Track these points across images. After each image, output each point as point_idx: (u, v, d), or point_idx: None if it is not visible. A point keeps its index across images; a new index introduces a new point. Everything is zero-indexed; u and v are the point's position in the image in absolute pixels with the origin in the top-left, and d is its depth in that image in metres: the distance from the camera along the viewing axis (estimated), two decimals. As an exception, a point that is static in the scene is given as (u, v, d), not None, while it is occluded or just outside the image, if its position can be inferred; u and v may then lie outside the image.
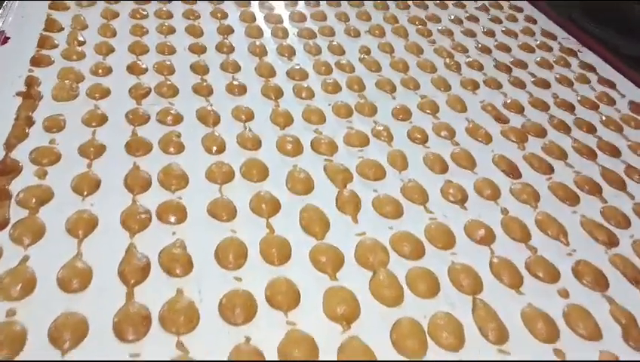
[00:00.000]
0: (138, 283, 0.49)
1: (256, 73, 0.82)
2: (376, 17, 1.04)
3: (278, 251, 0.54)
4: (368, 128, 0.74)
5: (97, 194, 0.58)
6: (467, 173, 0.69)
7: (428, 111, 0.80)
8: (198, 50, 0.85)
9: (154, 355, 0.44)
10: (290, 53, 0.88)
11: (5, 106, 0.67)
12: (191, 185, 0.61)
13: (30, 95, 0.69)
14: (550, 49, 1.03)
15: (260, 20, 0.97)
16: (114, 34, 0.85)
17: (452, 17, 1.08)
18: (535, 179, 0.70)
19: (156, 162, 0.63)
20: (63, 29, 0.84)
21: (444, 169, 0.69)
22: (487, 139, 0.76)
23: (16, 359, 0.43)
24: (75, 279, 0.48)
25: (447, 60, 0.93)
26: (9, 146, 0.61)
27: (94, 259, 0.51)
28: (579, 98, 0.89)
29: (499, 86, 0.88)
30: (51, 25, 0.84)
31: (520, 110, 0.83)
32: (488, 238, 0.60)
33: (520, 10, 1.16)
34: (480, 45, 1.00)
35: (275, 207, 0.60)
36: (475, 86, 0.87)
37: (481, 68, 0.92)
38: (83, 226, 0.53)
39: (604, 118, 0.85)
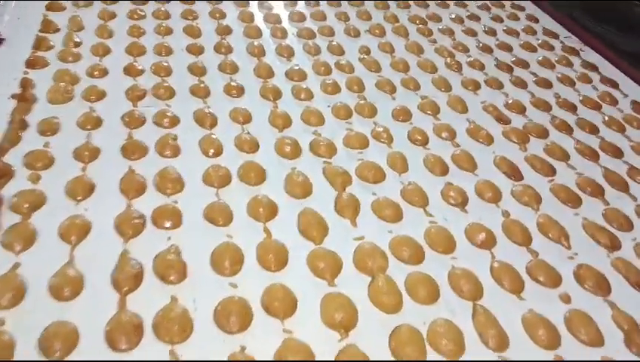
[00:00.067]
0: (131, 291, 0.48)
1: (255, 74, 0.81)
2: (376, 17, 1.03)
3: (275, 256, 0.53)
4: (368, 130, 0.73)
5: (91, 198, 0.57)
6: (468, 175, 0.68)
7: (428, 112, 0.79)
8: (196, 50, 0.84)
9: (147, 365, 0.44)
10: (290, 53, 0.87)
11: (-1, 109, 0.66)
12: (187, 188, 0.60)
13: (25, 97, 0.69)
14: (552, 48, 1.02)
15: (259, 20, 0.96)
16: (111, 35, 0.85)
17: (453, 16, 1.07)
18: (537, 181, 0.69)
19: (152, 165, 0.62)
20: (59, 29, 0.84)
21: (445, 171, 0.68)
22: (489, 140, 0.75)
23: (4, 370, 0.42)
24: (66, 287, 0.47)
25: (448, 60, 0.92)
26: (2, 150, 0.61)
27: (87, 266, 0.50)
28: (581, 98, 0.88)
29: (500, 86, 0.87)
30: (47, 25, 0.84)
31: (522, 110, 0.82)
32: (489, 242, 0.59)
33: (522, 9, 1.15)
34: (481, 44, 0.98)
35: (272, 210, 0.59)
36: (476, 86, 0.86)
37: (482, 67, 0.91)
38: (76, 232, 0.53)
39: (606, 118, 0.84)
